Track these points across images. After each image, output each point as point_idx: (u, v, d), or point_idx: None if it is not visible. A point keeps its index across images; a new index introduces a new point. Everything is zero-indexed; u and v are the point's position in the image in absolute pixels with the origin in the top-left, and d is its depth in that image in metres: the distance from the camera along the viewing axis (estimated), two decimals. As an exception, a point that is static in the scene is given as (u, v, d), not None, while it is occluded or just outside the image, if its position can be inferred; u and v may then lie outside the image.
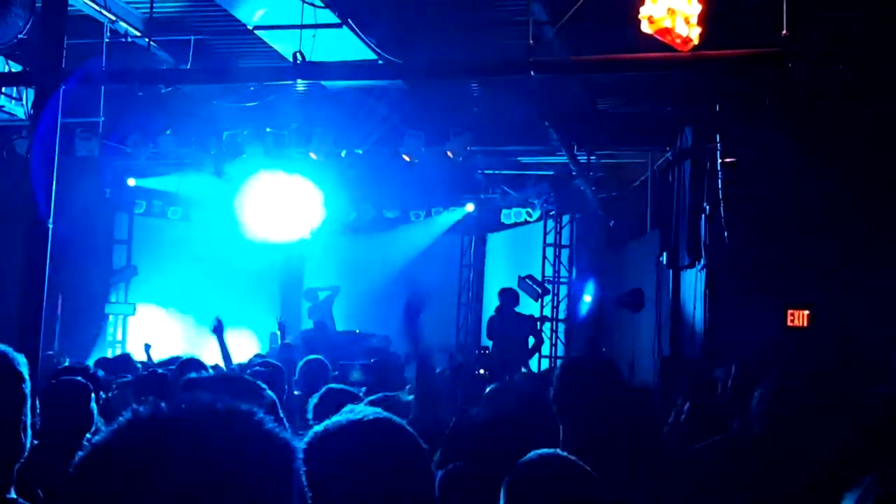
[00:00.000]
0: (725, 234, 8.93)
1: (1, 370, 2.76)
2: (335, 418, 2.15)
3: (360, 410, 2.21)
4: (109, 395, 6.51)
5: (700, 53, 6.68)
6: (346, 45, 9.49)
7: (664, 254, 10.88)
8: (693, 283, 9.78)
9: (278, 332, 11.09)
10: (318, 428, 2.10)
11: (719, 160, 9.27)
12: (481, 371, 11.70)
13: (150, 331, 15.43)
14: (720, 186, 9.14)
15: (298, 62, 8.40)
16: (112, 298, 15.84)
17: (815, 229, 8.69)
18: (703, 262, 9.44)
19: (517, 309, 12.72)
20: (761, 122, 9.34)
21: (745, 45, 7.07)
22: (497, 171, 15.47)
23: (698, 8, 6.28)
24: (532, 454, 2.60)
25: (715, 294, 9.10)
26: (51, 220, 7.41)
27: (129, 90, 10.74)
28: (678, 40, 6.27)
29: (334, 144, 13.22)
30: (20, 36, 8.23)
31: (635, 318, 12.32)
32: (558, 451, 2.61)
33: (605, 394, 3.53)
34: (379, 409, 2.30)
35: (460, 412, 5.02)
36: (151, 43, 10.10)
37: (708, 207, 9.33)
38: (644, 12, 6.29)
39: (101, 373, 6.74)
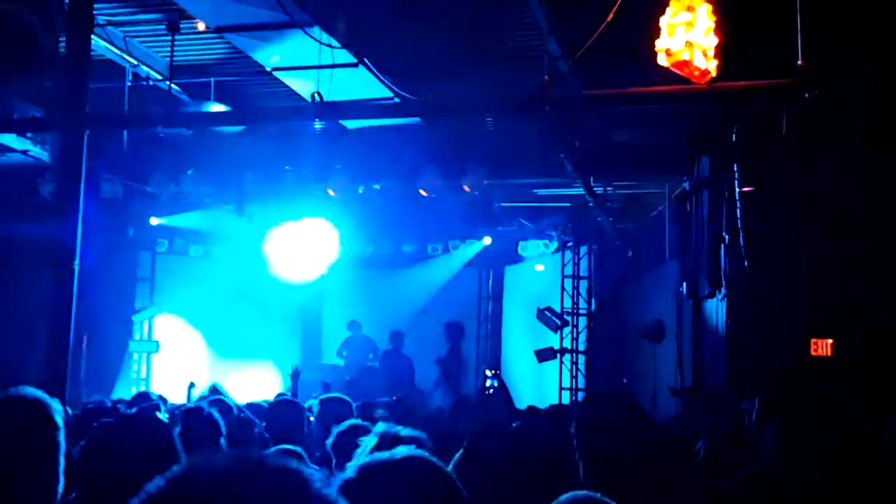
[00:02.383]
0: (745, 263, 8.92)
1: (35, 418, 2.82)
2: (373, 456, 2.18)
3: (399, 448, 2.24)
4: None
5: (716, 85, 6.73)
6: (362, 83, 9.62)
7: (684, 284, 10.87)
8: (714, 313, 9.76)
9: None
10: (354, 465, 2.13)
11: (737, 189, 9.28)
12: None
13: (174, 368, 15.55)
14: (739, 215, 9.14)
15: (317, 102, 8.51)
16: (136, 336, 15.95)
17: (837, 257, 8.67)
18: (723, 291, 9.43)
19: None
20: (779, 150, 9.36)
21: (761, 76, 7.13)
22: (514, 204, 15.53)
23: (715, 41, 6.34)
24: (565, 497, 2.59)
25: (736, 324, 9.08)
26: (77, 261, 7.52)
27: (152, 132, 10.90)
28: (696, 73, 6.32)
29: (352, 181, 13.33)
30: (45, 83, 8.41)
31: (656, 349, 12.30)
32: (594, 494, 2.60)
33: (626, 431, 3.51)
34: (413, 447, 2.33)
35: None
36: (173, 86, 10.24)
37: (727, 237, 9.33)
38: (661, 45, 6.34)
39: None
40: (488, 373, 14.82)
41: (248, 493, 1.18)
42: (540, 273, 16.46)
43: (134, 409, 7.57)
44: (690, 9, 6.22)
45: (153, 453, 2.74)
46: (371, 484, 2.06)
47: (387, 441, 3.47)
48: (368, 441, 3.56)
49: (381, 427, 3.79)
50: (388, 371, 14.60)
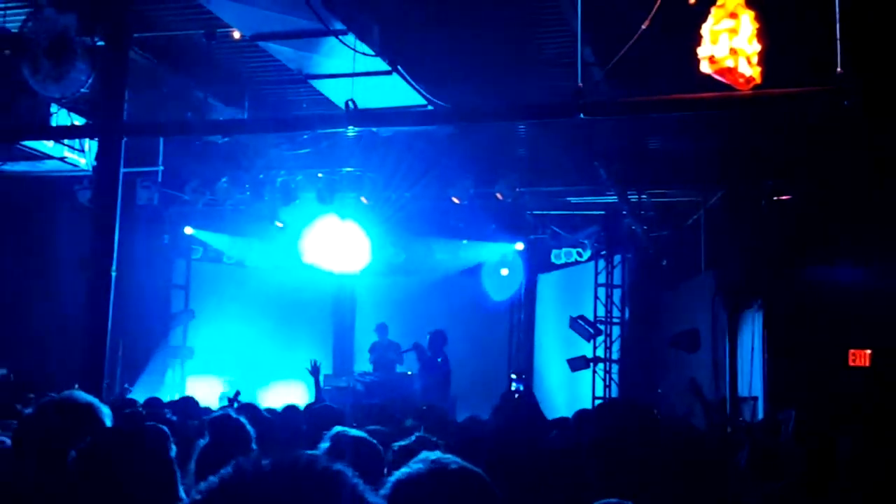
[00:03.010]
0: (784, 272, 8.84)
1: (88, 421, 2.87)
2: (416, 466, 2.16)
3: (440, 458, 2.21)
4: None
5: (754, 93, 6.66)
6: (395, 91, 9.62)
7: (720, 293, 10.78)
8: (751, 323, 9.67)
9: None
10: (400, 476, 2.10)
11: (774, 197, 9.20)
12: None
13: (208, 373, 15.66)
14: (776, 224, 9.06)
15: (350, 109, 8.53)
16: (171, 342, 16.07)
17: (876, 266, 8.56)
18: (760, 301, 9.34)
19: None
20: (815, 158, 9.27)
21: (798, 84, 7.05)
22: (547, 212, 15.48)
23: (758, 47, 6.26)
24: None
25: (774, 334, 8.98)
26: (114, 268, 7.60)
27: (187, 140, 10.99)
28: (741, 80, 6.25)
29: (385, 188, 13.36)
30: (82, 90, 8.50)
31: (691, 359, 12.19)
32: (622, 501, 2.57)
33: (636, 438, 3.50)
34: (458, 458, 2.31)
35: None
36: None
37: (764, 246, 9.25)
38: (704, 52, 6.28)
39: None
40: (514, 376, 14.76)
41: (296, 492, 1.23)
42: (573, 281, 16.37)
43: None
44: (734, 15, 6.16)
45: (143, 467, 2.74)
46: (419, 493, 2.04)
47: (339, 443, 3.54)
48: (322, 445, 3.64)
49: (335, 430, 3.84)
50: (423, 377, 14.57)
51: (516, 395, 14.01)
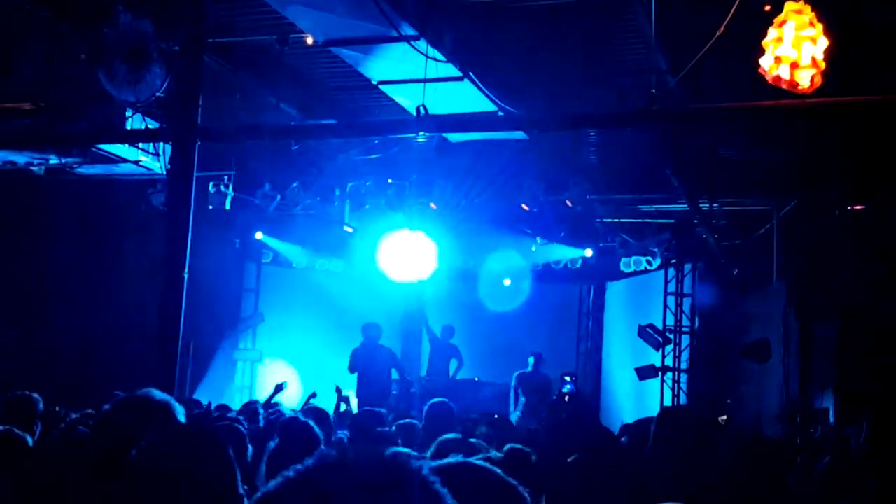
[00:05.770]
0: (858, 282, 8.63)
1: (162, 419, 2.94)
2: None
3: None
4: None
5: (829, 100, 6.53)
6: (466, 97, 9.63)
7: (792, 304, 10.58)
8: (823, 334, 9.47)
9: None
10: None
11: (848, 207, 9.00)
12: None
13: (277, 376, 15.83)
14: (850, 234, 8.86)
15: (421, 115, 8.56)
16: (241, 345, 16.29)
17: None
18: (833, 311, 9.15)
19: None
20: (890, 167, 9.04)
21: (874, 92, 6.88)
22: (616, 220, 15.35)
23: (809, 52, 6.13)
24: None
25: (847, 345, 8.78)
26: (186, 270, 7.73)
27: (259, 145, 11.14)
28: (785, 86, 6.18)
29: (454, 194, 13.38)
30: (158, 94, 8.68)
31: (761, 370, 11.97)
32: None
33: (697, 447, 3.46)
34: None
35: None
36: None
37: (837, 256, 9.05)
38: (760, 64, 6.25)
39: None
40: (567, 378, 14.65)
41: (372, 481, 1.30)
42: (642, 289, 16.20)
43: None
44: (781, 24, 6.10)
45: (202, 467, 2.76)
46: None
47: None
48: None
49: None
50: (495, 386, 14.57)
51: (566, 399, 13.93)
